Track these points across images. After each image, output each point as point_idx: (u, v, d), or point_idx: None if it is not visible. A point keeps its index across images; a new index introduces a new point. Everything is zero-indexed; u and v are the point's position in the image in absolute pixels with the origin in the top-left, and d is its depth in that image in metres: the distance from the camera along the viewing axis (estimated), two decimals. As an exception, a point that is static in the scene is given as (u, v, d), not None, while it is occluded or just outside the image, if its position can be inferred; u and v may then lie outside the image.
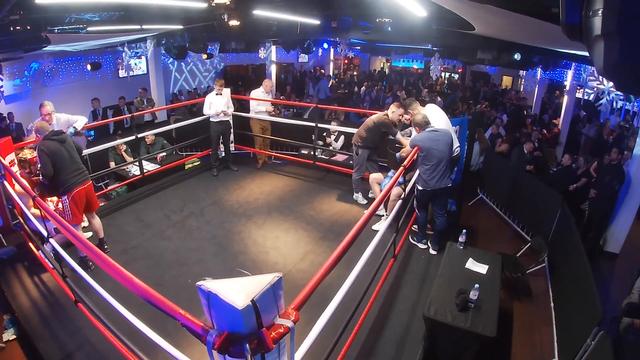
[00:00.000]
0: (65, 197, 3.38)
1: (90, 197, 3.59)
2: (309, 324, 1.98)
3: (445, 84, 14.81)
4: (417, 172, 3.84)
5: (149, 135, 6.12)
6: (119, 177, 6.07)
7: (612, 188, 5.01)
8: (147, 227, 4.39)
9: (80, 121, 4.04)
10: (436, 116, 4.04)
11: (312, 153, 5.92)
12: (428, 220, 4.17)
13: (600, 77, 7.45)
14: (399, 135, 4.48)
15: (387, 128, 4.54)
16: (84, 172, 3.52)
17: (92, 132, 7.69)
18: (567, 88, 8.87)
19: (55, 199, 3.71)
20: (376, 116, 4.64)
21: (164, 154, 6.27)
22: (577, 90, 8.87)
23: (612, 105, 8.33)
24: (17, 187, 3.52)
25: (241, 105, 7.29)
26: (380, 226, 3.54)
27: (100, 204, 4.41)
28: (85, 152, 4.35)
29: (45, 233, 3.08)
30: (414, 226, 4.28)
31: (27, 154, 3.64)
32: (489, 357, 2.89)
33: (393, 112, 4.49)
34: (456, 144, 4.09)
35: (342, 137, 6.56)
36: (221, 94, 5.54)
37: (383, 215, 4.49)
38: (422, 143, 3.64)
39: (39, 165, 3.32)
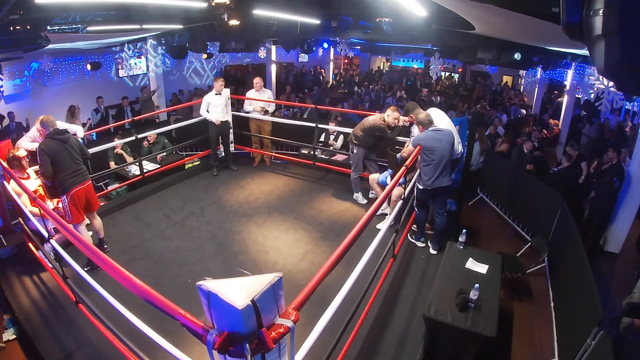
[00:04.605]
0: (64, 196, 3.38)
1: (89, 197, 3.59)
2: (309, 323, 1.98)
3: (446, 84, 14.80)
4: (418, 171, 3.84)
5: (151, 134, 6.10)
6: (119, 177, 6.07)
7: (612, 186, 5.00)
8: (147, 227, 4.39)
9: (79, 132, 4.01)
10: (439, 118, 4.03)
11: (312, 153, 5.91)
12: (428, 219, 4.17)
13: (600, 77, 7.43)
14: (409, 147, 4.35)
15: (381, 132, 4.53)
16: (83, 172, 3.51)
17: (93, 133, 7.68)
18: (567, 88, 8.86)
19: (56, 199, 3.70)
20: (372, 119, 4.63)
21: (164, 154, 6.26)
22: (577, 89, 8.85)
23: (612, 105, 8.32)
24: (17, 187, 3.51)
25: (241, 105, 7.28)
26: (384, 225, 3.53)
27: (100, 204, 4.40)
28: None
29: (45, 233, 3.08)
30: (413, 225, 4.28)
31: (15, 151, 3.64)
32: (489, 357, 2.88)
33: (388, 115, 4.47)
34: (460, 149, 4.07)
35: (341, 137, 6.56)
36: (220, 94, 5.48)
37: (387, 214, 4.48)
38: (425, 142, 3.65)
39: (39, 165, 3.32)
